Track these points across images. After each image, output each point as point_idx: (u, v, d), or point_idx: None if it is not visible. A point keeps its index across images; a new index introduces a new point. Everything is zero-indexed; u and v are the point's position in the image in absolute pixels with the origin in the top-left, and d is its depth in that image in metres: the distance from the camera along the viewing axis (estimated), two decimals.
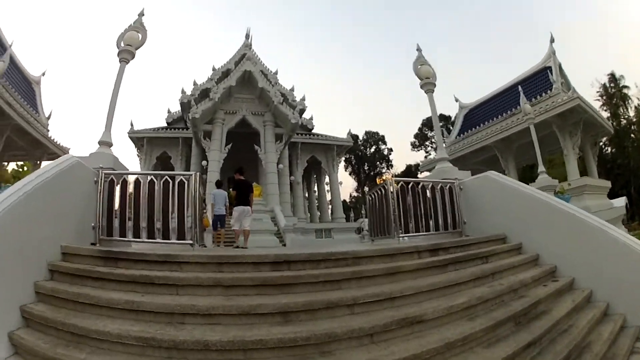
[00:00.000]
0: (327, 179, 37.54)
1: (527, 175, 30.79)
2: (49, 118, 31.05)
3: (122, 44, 8.22)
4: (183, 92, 28.44)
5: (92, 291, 4.30)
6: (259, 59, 31.10)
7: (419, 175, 66.60)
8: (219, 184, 13.48)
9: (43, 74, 32.58)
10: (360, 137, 72.24)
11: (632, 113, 45.90)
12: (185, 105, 28.11)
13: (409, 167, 71.09)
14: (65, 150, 27.15)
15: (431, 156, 66.58)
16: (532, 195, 7.22)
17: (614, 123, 40.74)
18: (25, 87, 29.78)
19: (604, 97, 47.60)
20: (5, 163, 28.82)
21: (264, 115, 27.17)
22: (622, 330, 5.20)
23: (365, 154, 75.05)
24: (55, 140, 28.55)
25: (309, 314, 3.84)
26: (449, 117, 67.30)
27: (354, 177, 75.93)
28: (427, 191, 7.93)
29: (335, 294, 4.20)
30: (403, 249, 5.60)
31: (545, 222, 6.81)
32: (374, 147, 75.90)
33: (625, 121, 45.73)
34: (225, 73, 28.62)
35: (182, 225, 6.23)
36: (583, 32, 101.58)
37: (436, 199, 7.97)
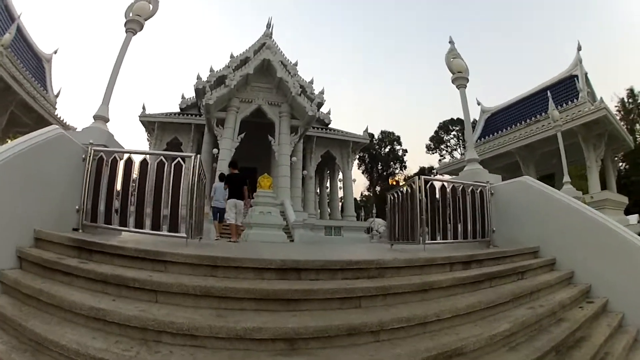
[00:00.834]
0: (340, 176, 36.66)
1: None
2: (57, 96, 30.98)
3: (131, 15, 7.53)
4: (198, 78, 27.65)
5: (57, 289, 3.55)
6: (279, 49, 30.39)
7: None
8: (222, 177, 13.00)
9: (55, 52, 32.65)
10: (376, 136, 71.09)
11: None
12: (199, 91, 27.30)
13: (422, 169, 69.99)
14: (70, 129, 26.74)
15: (446, 160, 66.07)
16: (573, 206, 6.59)
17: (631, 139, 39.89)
18: (35, 63, 29.65)
19: (622, 112, 46.38)
20: (8, 140, 28.39)
21: (280, 105, 26.31)
22: None
23: (380, 153, 73.84)
24: (61, 119, 28.38)
25: (323, 342, 2.97)
26: None
27: (366, 175, 74.92)
28: (458, 194, 7.10)
29: (357, 316, 3.31)
30: (434, 259, 4.81)
31: (583, 236, 6.28)
32: (388, 147, 74.67)
33: None
34: (243, 61, 27.65)
35: (176, 214, 5.35)
36: (605, 44, 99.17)
37: (466, 203, 7.18)
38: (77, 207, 5.59)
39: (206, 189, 13.20)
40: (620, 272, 5.65)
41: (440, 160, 67.60)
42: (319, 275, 3.96)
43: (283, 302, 3.42)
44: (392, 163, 74.37)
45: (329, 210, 40.89)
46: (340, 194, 38.45)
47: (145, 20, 7.64)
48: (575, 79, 27.38)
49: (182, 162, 5.42)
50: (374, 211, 39.60)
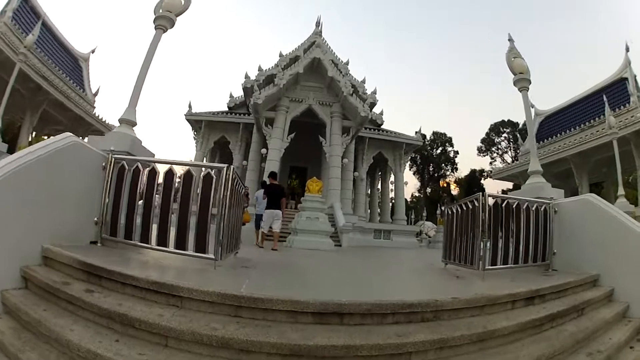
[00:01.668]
0: (391, 178, 35.66)
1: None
2: (95, 95, 31.98)
3: (161, 11, 7.03)
4: (247, 76, 27.14)
5: (56, 321, 3.09)
6: (329, 47, 29.73)
7: (482, 182, 65.20)
8: (263, 185, 13.34)
9: (93, 51, 33.89)
10: (428, 137, 69.95)
11: None
12: (248, 90, 26.89)
13: (473, 171, 70.06)
14: (109, 128, 27.83)
15: (497, 162, 64.76)
16: (636, 231, 5.86)
17: None
18: (71, 63, 30.61)
19: None
20: (46, 137, 29.21)
21: (331, 106, 25.56)
22: None
23: (431, 154, 73.15)
24: (100, 117, 28.91)
25: None
26: (517, 123, 65.11)
27: (417, 177, 74.41)
28: (522, 212, 6.31)
29: None
30: (497, 298, 4.11)
31: None
32: (440, 149, 74.05)
33: None
34: (292, 60, 27.15)
35: (204, 232, 4.66)
36: None
37: (529, 222, 6.40)
38: (95, 218, 5.17)
39: (250, 198, 13.07)
40: None
41: (491, 162, 67.75)
42: (364, 319, 3.25)
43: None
44: (443, 165, 74.01)
45: (379, 211, 40.10)
46: (391, 195, 37.63)
47: (177, 16, 7.11)
48: (626, 81, 26.16)
49: (212, 175, 4.75)
50: (424, 214, 38.58)
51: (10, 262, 3.80)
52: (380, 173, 38.63)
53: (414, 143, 33.43)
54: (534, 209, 6.47)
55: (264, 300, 3.15)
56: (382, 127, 32.99)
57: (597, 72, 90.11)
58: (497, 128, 69.39)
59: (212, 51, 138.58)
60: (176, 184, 4.89)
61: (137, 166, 5.10)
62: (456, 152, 73.97)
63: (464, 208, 6.37)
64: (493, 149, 69.81)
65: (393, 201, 35.77)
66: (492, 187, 67.40)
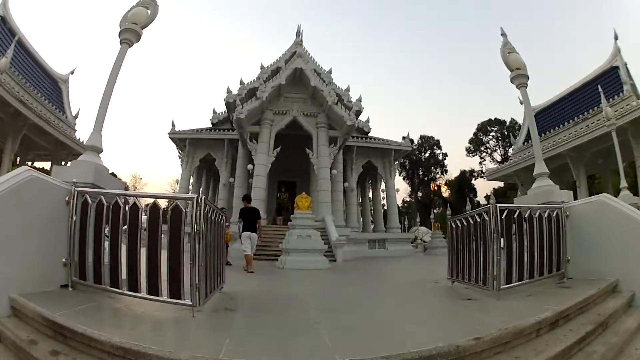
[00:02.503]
0: (382, 186, 35.23)
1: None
2: (76, 117, 31.30)
3: (127, 23, 6.51)
4: (229, 91, 26.42)
5: None
6: (311, 56, 29.12)
7: (472, 182, 65.25)
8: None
9: (72, 72, 33.00)
10: (415, 141, 70.24)
11: None
12: (230, 105, 26.16)
13: (463, 172, 70.95)
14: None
15: (486, 162, 65.04)
16: None
17: None
18: (50, 85, 29.89)
19: None
20: (30, 163, 28.73)
21: (316, 116, 25.03)
22: None
23: (420, 158, 73.57)
24: (81, 141, 28.22)
25: None
26: (504, 121, 65.53)
27: (407, 182, 75.00)
28: (534, 221, 5.82)
29: None
30: (522, 330, 3.62)
31: None
32: (428, 152, 74.52)
33: None
34: (274, 71, 26.51)
35: (177, 274, 4.00)
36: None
37: (542, 230, 5.92)
38: (64, 259, 4.60)
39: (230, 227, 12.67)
40: None
41: (480, 162, 69.05)
42: None
43: None
44: (432, 168, 74.61)
45: (371, 220, 39.62)
46: (383, 202, 37.26)
47: (143, 28, 6.57)
48: (617, 70, 25.93)
49: (180, 207, 4.09)
50: (418, 219, 38.21)
51: None
52: (370, 182, 38.07)
53: (402, 149, 32.94)
54: (546, 215, 6.01)
55: None
56: (369, 134, 32.48)
57: (585, 63, 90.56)
58: (484, 127, 69.71)
59: (192, 68, 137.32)
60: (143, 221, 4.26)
61: (101, 199, 4.48)
62: (445, 154, 74.69)
63: (471, 221, 5.81)
64: (482, 148, 70.15)
65: (385, 208, 35.27)
66: (483, 187, 67.68)
